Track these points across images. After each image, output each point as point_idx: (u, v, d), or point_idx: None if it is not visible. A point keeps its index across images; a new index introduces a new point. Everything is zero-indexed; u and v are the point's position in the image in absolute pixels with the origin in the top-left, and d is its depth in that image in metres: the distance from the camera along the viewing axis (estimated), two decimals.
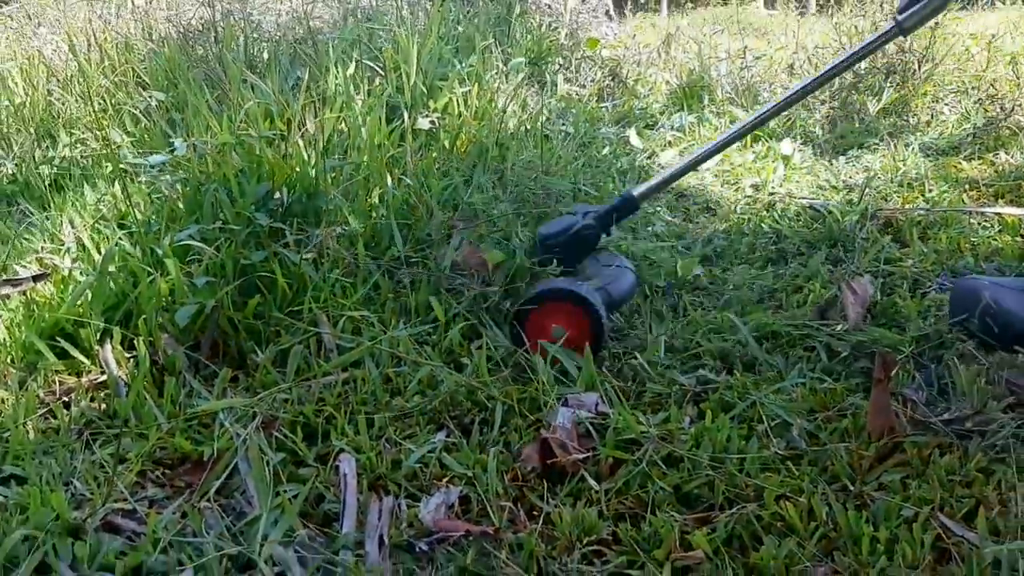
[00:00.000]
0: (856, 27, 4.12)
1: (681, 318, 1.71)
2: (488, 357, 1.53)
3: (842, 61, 1.77)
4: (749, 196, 2.52)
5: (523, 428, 1.34)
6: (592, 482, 1.21)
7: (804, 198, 2.42)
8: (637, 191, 1.84)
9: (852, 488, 1.18)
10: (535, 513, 1.17)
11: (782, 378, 1.49)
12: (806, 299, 1.78)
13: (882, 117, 3.44)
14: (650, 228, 2.28)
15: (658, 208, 2.47)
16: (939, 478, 1.17)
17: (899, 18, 1.68)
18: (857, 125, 3.39)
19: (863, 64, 3.82)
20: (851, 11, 5.04)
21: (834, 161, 2.90)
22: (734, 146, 3.23)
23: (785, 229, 2.19)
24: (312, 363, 1.52)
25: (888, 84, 3.60)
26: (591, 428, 1.30)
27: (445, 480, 1.24)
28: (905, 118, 3.45)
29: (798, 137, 3.25)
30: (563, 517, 1.13)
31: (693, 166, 1.86)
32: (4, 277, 1.72)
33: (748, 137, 3.28)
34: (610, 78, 3.71)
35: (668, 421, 1.35)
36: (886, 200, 2.49)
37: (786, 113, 3.50)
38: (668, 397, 1.43)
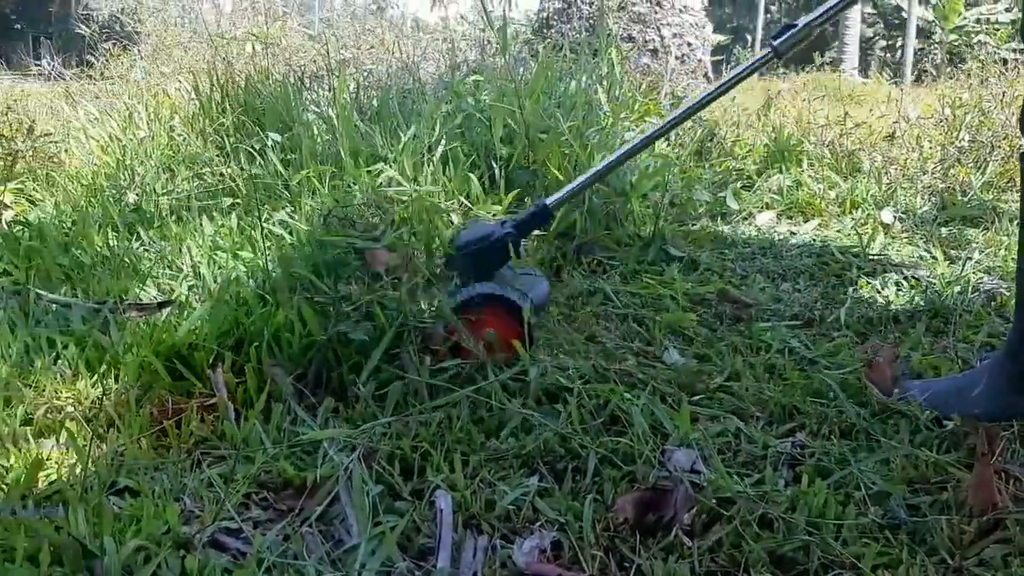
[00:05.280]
0: (960, 98, 4.06)
1: (779, 380, 1.70)
2: (581, 405, 1.54)
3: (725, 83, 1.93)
4: (847, 261, 2.50)
5: (616, 479, 1.35)
6: (685, 538, 1.21)
7: (904, 267, 2.39)
8: (550, 200, 1.92)
9: (951, 562, 1.15)
10: (626, 565, 1.18)
11: (880, 446, 1.47)
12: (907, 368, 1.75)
13: (985, 190, 3.38)
14: (743, 287, 2.28)
15: (756, 274, 2.47)
16: None
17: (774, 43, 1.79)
18: (960, 197, 3.33)
19: (965, 137, 3.76)
20: (954, 83, 4.97)
21: (936, 232, 2.85)
22: (832, 214, 3.21)
23: (884, 296, 2.16)
24: (409, 400, 1.56)
25: (992, 158, 3.53)
26: (688, 486, 1.30)
27: (538, 524, 1.26)
28: (1009, 191, 3.37)
29: (898, 206, 3.21)
30: (655, 571, 1.13)
31: (606, 173, 2.01)
32: (129, 301, 1.81)
33: (847, 203, 3.26)
34: (708, 138, 3.73)
35: (763, 483, 1.34)
36: (988, 273, 2.43)
37: (887, 182, 3.46)
38: (763, 459, 1.42)
